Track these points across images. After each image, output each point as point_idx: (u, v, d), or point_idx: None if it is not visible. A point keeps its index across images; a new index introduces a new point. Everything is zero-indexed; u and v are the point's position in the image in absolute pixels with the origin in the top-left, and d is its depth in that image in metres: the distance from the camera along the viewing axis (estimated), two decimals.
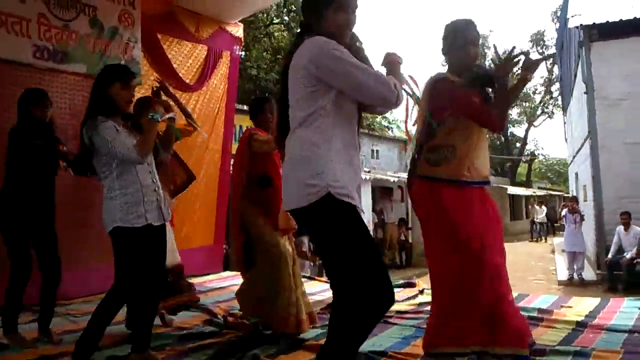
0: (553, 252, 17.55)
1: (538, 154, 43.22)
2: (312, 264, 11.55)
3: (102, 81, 3.18)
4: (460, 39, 3.00)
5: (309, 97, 2.19)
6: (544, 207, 25.45)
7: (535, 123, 38.48)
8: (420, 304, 5.19)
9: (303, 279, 5.53)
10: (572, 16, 12.11)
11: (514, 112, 39.40)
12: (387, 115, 31.84)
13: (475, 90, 2.94)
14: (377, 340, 3.90)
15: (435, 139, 2.96)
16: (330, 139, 2.17)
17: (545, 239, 24.73)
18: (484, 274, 2.87)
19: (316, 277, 7.36)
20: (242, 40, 8.18)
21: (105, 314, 3.18)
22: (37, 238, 3.92)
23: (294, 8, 20.13)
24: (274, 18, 20.42)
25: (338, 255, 2.17)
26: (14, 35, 5.18)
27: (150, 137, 3.14)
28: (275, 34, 20.42)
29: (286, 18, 20.68)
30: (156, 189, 3.29)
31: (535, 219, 25.53)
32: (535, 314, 4.64)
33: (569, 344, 3.81)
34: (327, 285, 6.48)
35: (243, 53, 18.94)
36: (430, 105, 2.96)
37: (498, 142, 39.85)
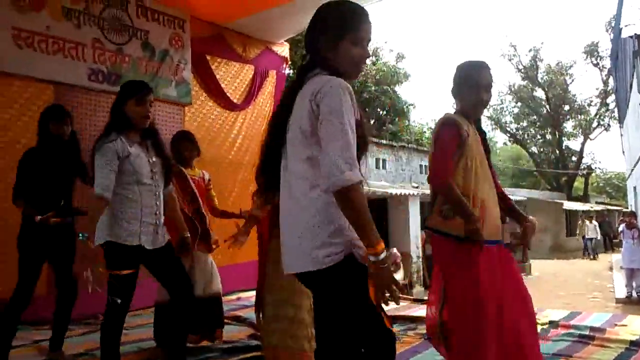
0: (611, 269, 16.94)
1: (595, 168, 41.90)
2: None
3: (118, 99, 3.19)
4: (473, 82, 2.79)
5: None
6: (594, 222, 24.26)
7: (591, 136, 37.33)
8: None
9: None
10: (626, 26, 11.81)
11: (568, 125, 38.46)
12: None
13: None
14: (421, 357, 3.88)
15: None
16: None
17: (596, 256, 23.61)
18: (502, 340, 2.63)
19: None
20: (289, 59, 8.33)
21: (109, 337, 3.12)
22: (54, 257, 3.89)
23: None
24: None
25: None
26: (70, 59, 5.44)
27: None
28: None
29: None
30: (157, 213, 3.22)
31: (585, 235, 24.27)
32: (587, 332, 4.52)
33: None
34: None
35: (291, 71, 19.23)
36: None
37: (553, 156, 38.88)
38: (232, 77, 7.24)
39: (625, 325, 4.85)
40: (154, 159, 3.26)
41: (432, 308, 2.92)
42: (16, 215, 3.86)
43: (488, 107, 2.91)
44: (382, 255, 1.77)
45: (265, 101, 7.75)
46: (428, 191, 3.02)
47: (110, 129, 3.14)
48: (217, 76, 6.99)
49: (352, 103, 1.86)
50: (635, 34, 11.25)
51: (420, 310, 5.01)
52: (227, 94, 7.05)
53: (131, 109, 3.13)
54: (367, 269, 1.82)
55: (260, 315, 3.62)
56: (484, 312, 2.58)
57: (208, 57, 6.90)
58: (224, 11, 6.65)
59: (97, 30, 5.67)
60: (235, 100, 7.16)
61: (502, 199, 2.96)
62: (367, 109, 19.78)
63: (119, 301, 3.05)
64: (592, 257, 23.40)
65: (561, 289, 13.85)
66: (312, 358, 3.03)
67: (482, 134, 2.93)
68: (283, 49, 8.05)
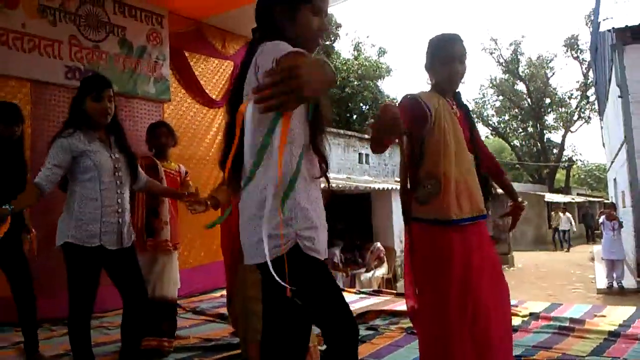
0: (593, 259, 17.15)
1: (576, 160, 42.34)
2: (344, 274, 11.54)
3: (77, 95, 3.11)
4: (446, 54, 2.67)
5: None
6: (567, 214, 24.28)
7: (572, 129, 37.70)
8: None
9: None
10: (604, 19, 11.90)
11: (550, 118, 38.78)
12: None
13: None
14: (403, 352, 3.90)
15: (418, 169, 2.64)
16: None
17: (569, 247, 23.36)
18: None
19: (346, 289, 7.35)
20: None
21: (76, 340, 3.03)
22: (5, 261, 3.78)
23: None
24: None
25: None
26: (47, 57, 5.37)
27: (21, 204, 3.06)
28: None
29: None
30: (119, 211, 3.11)
31: (558, 227, 23.94)
32: (567, 324, 4.56)
33: (600, 355, 3.74)
34: (357, 297, 6.49)
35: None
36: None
37: (535, 149, 39.22)
38: (211, 73, 7.18)
39: (605, 316, 4.91)
40: (116, 155, 3.16)
41: (409, 300, 2.79)
42: None
43: (469, 100, 2.74)
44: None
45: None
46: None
47: (68, 125, 3.07)
48: (196, 72, 6.93)
49: None
50: (613, 27, 11.33)
51: (403, 305, 5.03)
52: (206, 90, 7.00)
53: (89, 106, 3.05)
54: (316, 260, 1.81)
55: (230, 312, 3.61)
56: (450, 302, 2.49)
57: (187, 53, 6.83)
58: (203, 6, 6.58)
59: (73, 27, 5.60)
60: (214, 97, 7.10)
61: (496, 174, 2.94)
62: (349, 104, 19.76)
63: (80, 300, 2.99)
64: (566, 249, 23.28)
65: (543, 280, 13.98)
66: None
67: (464, 108, 2.81)
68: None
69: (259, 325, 3.15)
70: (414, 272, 2.67)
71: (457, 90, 2.79)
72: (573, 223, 24.39)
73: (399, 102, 2.63)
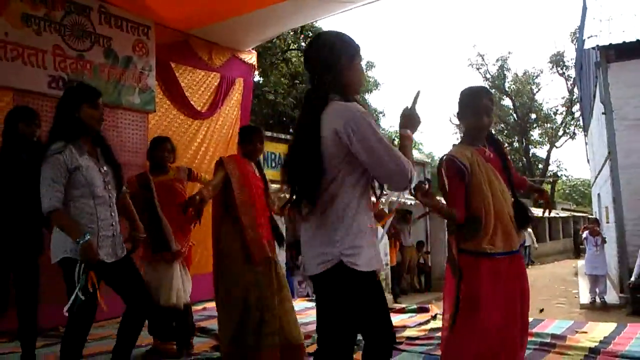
0: (576, 274, 17.23)
1: (561, 175, 42.69)
2: None
3: (69, 103, 3.05)
4: (474, 106, 2.98)
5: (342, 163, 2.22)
6: (529, 230, 23.96)
7: (557, 144, 38.08)
8: (431, 330, 5.12)
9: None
10: (589, 37, 12.04)
11: (535, 134, 39.11)
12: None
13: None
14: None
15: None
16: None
17: (529, 263, 22.67)
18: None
19: None
20: (256, 67, 8.28)
21: (72, 348, 3.03)
22: (17, 275, 3.73)
23: (311, 34, 20.33)
24: (291, 44, 20.64)
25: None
26: (30, 66, 5.33)
27: (63, 230, 2.94)
28: (293, 59, 20.60)
29: (303, 44, 20.87)
30: (113, 224, 3.13)
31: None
32: (548, 340, 4.56)
33: None
34: None
35: (261, 79, 19.13)
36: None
37: (520, 164, 39.50)
38: (197, 84, 7.17)
39: (586, 332, 4.93)
40: (105, 168, 3.15)
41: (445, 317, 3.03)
42: None
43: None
44: None
45: (232, 109, 7.69)
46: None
47: (59, 136, 3.00)
48: (182, 84, 6.92)
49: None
50: (598, 45, 11.46)
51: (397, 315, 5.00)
52: (192, 102, 6.98)
53: (86, 113, 3.01)
54: (361, 275, 2.17)
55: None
56: (485, 322, 2.77)
57: (173, 65, 6.83)
58: (190, 18, 6.59)
59: (57, 36, 5.58)
60: (199, 108, 7.09)
61: (522, 186, 3.44)
62: None
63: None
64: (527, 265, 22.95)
65: None
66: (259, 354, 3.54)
67: (495, 145, 3.10)
68: (251, 57, 8.01)
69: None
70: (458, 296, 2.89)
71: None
72: (534, 239, 24.37)
73: (441, 163, 3.00)
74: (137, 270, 3.34)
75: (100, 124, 3.12)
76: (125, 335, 3.24)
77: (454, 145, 3.08)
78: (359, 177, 2.23)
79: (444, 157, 2.99)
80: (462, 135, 3.14)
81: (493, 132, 3.19)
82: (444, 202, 2.97)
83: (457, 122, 3.13)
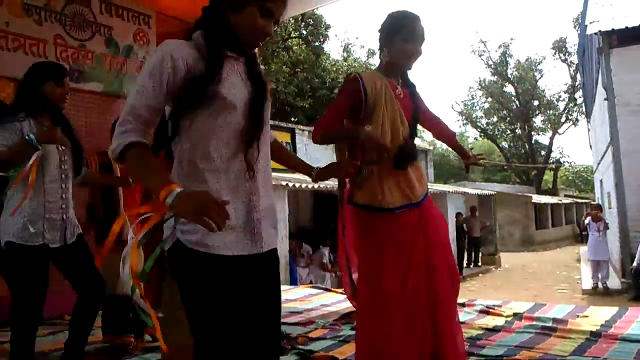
0: (579, 260, 17.29)
1: (564, 162, 42.65)
2: (332, 275, 11.55)
3: (33, 79, 2.97)
4: (408, 32, 2.55)
5: None
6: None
7: (559, 130, 38.03)
8: None
9: (319, 290, 5.54)
10: (591, 22, 12.00)
11: (538, 120, 39.04)
12: None
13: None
14: None
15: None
16: None
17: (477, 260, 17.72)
18: (415, 321, 2.49)
19: (332, 289, 7.36)
20: (257, 54, 8.26)
21: (17, 339, 2.88)
22: None
23: (311, 22, 20.28)
24: (292, 32, 20.60)
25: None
26: (32, 56, 5.33)
27: (7, 157, 2.78)
28: (294, 47, 20.57)
29: (304, 32, 20.84)
30: (63, 206, 2.99)
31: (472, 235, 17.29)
32: (550, 324, 4.59)
33: (581, 354, 3.77)
34: (343, 297, 6.50)
35: (262, 67, 19.13)
36: None
37: (523, 151, 39.46)
38: None
39: (587, 317, 4.95)
40: (63, 147, 3.03)
41: (346, 288, 2.82)
42: None
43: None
44: (172, 197, 1.46)
45: None
46: None
47: (19, 108, 2.91)
48: None
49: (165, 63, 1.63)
50: (600, 30, 11.43)
51: None
52: None
53: (51, 90, 2.96)
54: (200, 254, 1.63)
55: None
56: (384, 287, 2.49)
57: None
58: (190, 7, 6.52)
59: (58, 26, 5.57)
60: None
61: (448, 138, 3.08)
62: None
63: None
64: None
65: (530, 281, 14.08)
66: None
67: (410, 87, 2.75)
68: None
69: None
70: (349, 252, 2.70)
71: (406, 72, 2.73)
72: (493, 225, 22.80)
73: (348, 80, 2.66)
74: (89, 256, 3.13)
75: (65, 101, 3.06)
76: (77, 327, 3.09)
77: (367, 70, 2.78)
78: None
79: (350, 76, 2.65)
80: (380, 62, 2.72)
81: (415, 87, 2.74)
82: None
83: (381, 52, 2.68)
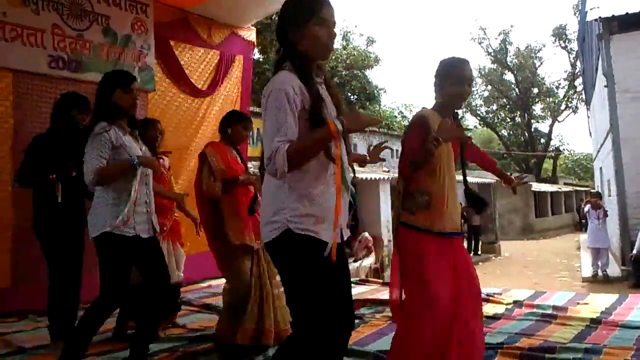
0: (579, 248, 17.32)
1: (563, 150, 42.65)
2: None
3: (105, 88, 3.21)
4: (456, 75, 2.91)
5: None
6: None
7: (559, 118, 37.93)
8: None
9: None
10: (591, 9, 11.93)
11: (537, 108, 38.96)
12: (407, 115, 31.74)
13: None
14: (388, 340, 3.91)
15: (412, 182, 2.85)
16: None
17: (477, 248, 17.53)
18: (453, 336, 2.72)
19: None
20: (255, 44, 8.23)
21: (91, 323, 3.13)
22: (66, 245, 3.90)
23: None
24: None
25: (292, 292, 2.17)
26: (29, 46, 5.31)
27: (114, 174, 3.11)
28: None
29: None
30: (147, 201, 3.28)
31: (472, 223, 17.01)
32: (550, 312, 4.62)
33: (581, 341, 3.79)
34: None
35: (261, 56, 19.01)
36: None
37: (522, 139, 39.41)
38: (197, 62, 7.12)
39: (587, 304, 4.98)
40: (144, 148, 3.34)
41: (394, 291, 2.98)
42: None
43: None
44: (340, 123, 2.00)
45: (232, 87, 7.65)
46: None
47: (100, 118, 3.15)
48: (182, 62, 6.88)
49: (289, 98, 2.03)
50: (600, 17, 11.37)
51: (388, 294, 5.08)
52: (192, 79, 6.95)
53: (120, 98, 3.18)
54: (309, 238, 2.05)
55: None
56: (434, 296, 2.68)
57: (172, 42, 6.77)
58: None
59: (56, 15, 5.54)
60: (199, 86, 7.06)
61: (490, 167, 3.44)
62: None
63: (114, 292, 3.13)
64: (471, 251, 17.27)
65: (530, 269, 14.11)
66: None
67: (458, 122, 3.14)
68: (250, 34, 7.95)
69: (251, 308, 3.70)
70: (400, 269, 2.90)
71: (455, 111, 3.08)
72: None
73: (414, 120, 2.94)
74: (161, 251, 3.44)
75: (134, 107, 3.29)
76: (147, 318, 3.32)
77: (423, 108, 2.99)
78: None
79: (418, 115, 2.92)
80: (435, 103, 3.01)
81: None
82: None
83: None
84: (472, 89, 3.02)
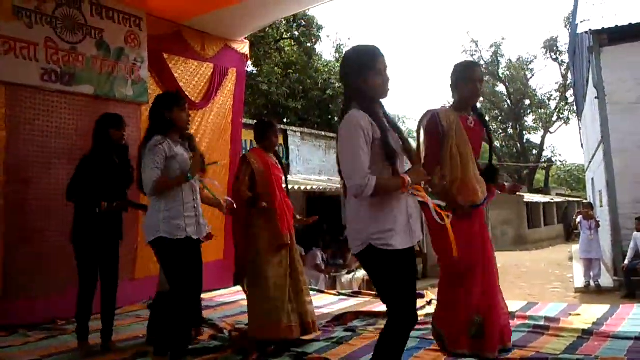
0: (571, 259, 17.36)
1: (555, 161, 42.81)
2: (326, 276, 11.54)
3: (161, 106, 3.62)
4: (469, 76, 3.49)
5: None
6: None
7: (551, 129, 38.15)
8: (426, 315, 5.16)
9: (313, 292, 5.61)
10: (582, 22, 12.05)
11: (529, 119, 39.17)
12: (401, 127, 31.78)
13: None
14: None
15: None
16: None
17: None
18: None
19: (325, 290, 7.37)
20: (248, 56, 8.26)
21: (177, 316, 3.49)
22: (103, 258, 4.26)
23: (303, 23, 20.27)
24: (284, 33, 20.57)
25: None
26: (22, 59, 5.31)
27: (172, 186, 3.48)
28: (286, 48, 20.55)
29: (296, 33, 20.83)
30: (195, 206, 3.62)
31: None
32: (542, 323, 4.62)
33: (573, 352, 3.80)
34: (336, 299, 6.52)
35: (254, 69, 19.05)
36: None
37: (515, 150, 39.57)
38: (191, 75, 7.14)
39: (579, 315, 4.98)
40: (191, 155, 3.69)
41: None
42: None
43: (451, 101, 3.77)
44: (409, 182, 2.57)
45: (226, 99, 7.67)
46: None
47: (155, 132, 3.54)
48: (175, 75, 6.90)
49: (363, 130, 2.53)
50: (590, 29, 11.48)
51: (380, 306, 5.07)
52: (186, 92, 6.96)
53: (177, 115, 3.59)
54: (390, 253, 2.55)
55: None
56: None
57: (165, 55, 6.80)
58: (182, 8, 6.56)
59: (49, 29, 5.55)
60: (193, 99, 7.06)
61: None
62: (330, 105, 19.75)
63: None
64: None
65: (522, 280, 14.11)
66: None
67: (480, 116, 3.71)
68: (243, 46, 7.99)
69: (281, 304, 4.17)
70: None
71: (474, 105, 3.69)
72: None
73: (423, 118, 3.56)
74: (201, 259, 3.71)
75: (188, 124, 3.75)
76: (176, 322, 3.57)
77: (442, 106, 3.50)
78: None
79: (428, 113, 3.48)
80: (453, 102, 3.62)
81: (485, 115, 3.59)
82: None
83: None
84: None
